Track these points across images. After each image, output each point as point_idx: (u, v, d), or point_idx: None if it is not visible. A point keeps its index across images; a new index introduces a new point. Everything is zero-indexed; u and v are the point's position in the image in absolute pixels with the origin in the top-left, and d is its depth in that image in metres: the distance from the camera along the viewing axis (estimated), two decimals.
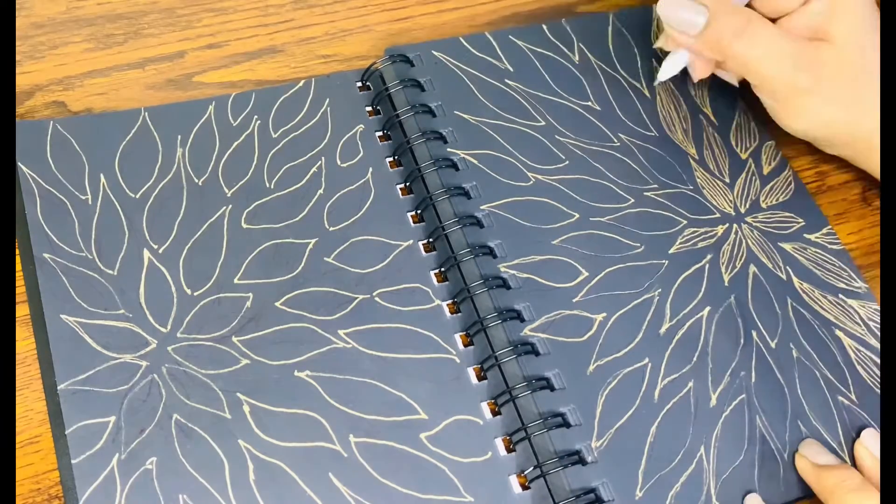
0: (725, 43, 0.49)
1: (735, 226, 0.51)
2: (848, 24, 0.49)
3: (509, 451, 0.42)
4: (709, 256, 0.49)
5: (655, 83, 0.54)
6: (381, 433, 0.42)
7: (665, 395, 0.44)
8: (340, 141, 0.50)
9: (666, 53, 0.53)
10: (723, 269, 0.49)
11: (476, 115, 0.51)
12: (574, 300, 0.46)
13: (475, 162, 0.49)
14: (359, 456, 0.41)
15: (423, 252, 0.47)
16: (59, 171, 0.46)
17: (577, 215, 0.49)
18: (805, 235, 0.52)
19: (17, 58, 0.50)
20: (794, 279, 0.49)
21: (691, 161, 0.53)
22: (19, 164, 0.45)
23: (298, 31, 0.55)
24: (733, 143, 0.54)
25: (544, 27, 0.56)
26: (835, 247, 0.51)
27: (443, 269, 0.46)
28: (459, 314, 0.45)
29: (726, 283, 0.48)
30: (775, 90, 0.50)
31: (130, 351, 0.42)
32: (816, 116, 0.50)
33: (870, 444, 0.44)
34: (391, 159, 0.50)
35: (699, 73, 0.53)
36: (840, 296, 0.49)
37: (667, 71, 0.52)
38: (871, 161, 0.52)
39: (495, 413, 0.43)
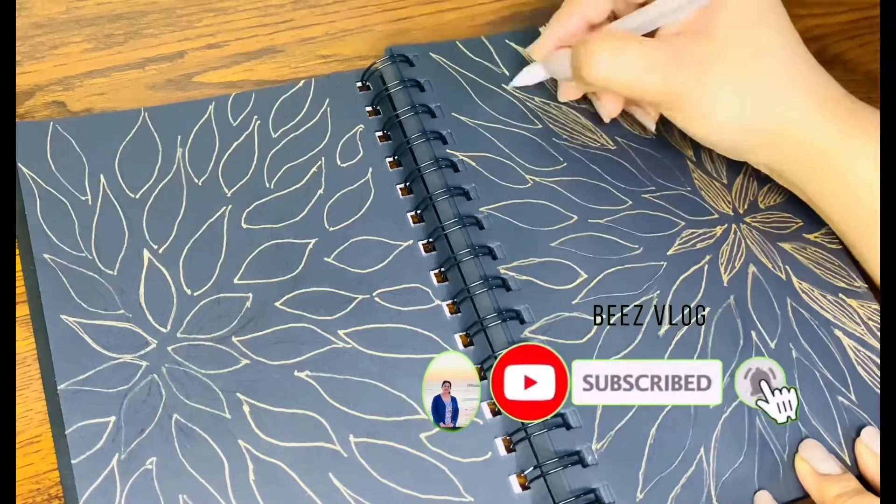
0: (592, 77, 0.45)
1: (734, 226, 0.51)
2: (732, 16, 0.45)
3: (509, 451, 0.42)
4: (707, 257, 0.49)
5: (509, 86, 0.52)
6: (381, 433, 0.42)
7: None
8: (340, 141, 0.50)
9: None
10: (722, 270, 0.49)
11: (473, 117, 0.51)
12: (573, 302, 0.46)
13: (473, 164, 0.49)
14: (359, 456, 0.41)
15: (423, 252, 0.47)
16: (59, 172, 0.46)
17: (576, 217, 0.49)
18: (804, 235, 0.52)
19: (17, 58, 0.50)
20: (794, 279, 0.50)
21: (689, 163, 0.53)
22: (19, 164, 0.45)
23: (298, 31, 0.55)
24: None
25: (540, 30, 0.56)
26: (833, 246, 0.52)
27: (443, 270, 0.47)
28: (459, 314, 0.45)
29: (725, 284, 0.48)
30: (661, 102, 0.46)
31: (130, 351, 0.42)
32: (711, 119, 0.46)
33: (870, 442, 0.44)
34: (391, 159, 0.50)
35: (567, 95, 0.52)
36: (840, 295, 0.50)
37: (524, 79, 0.52)
38: (795, 175, 0.47)
39: (495, 413, 0.43)
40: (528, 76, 0.52)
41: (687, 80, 0.45)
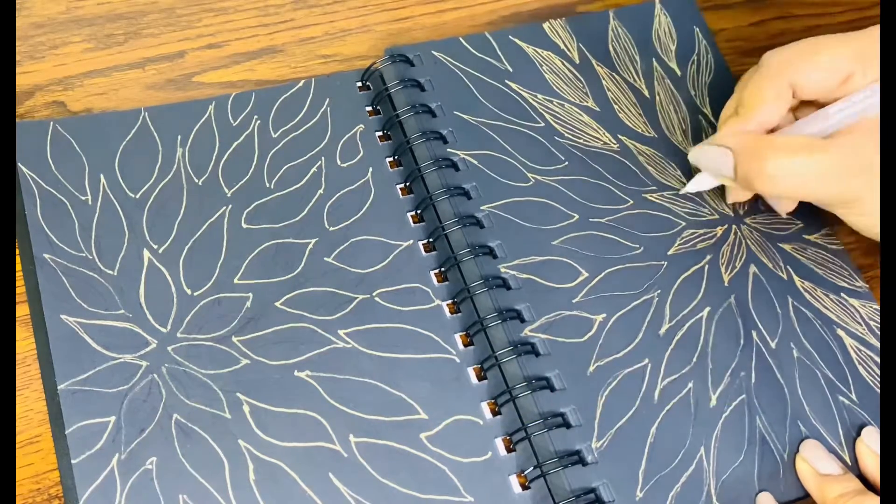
0: (758, 185, 0.44)
1: (734, 227, 0.51)
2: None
3: (509, 451, 0.42)
4: (708, 257, 0.49)
5: (681, 192, 0.51)
6: (381, 433, 0.42)
7: (665, 395, 0.44)
8: (340, 141, 0.50)
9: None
10: (722, 270, 0.49)
11: (476, 115, 0.51)
12: (574, 301, 0.46)
13: (475, 162, 0.49)
14: (359, 456, 0.41)
15: (423, 252, 0.47)
16: (59, 172, 0.46)
17: (577, 216, 0.49)
18: (804, 236, 0.52)
19: (17, 58, 0.50)
20: (796, 278, 0.49)
21: (690, 163, 0.53)
22: (19, 164, 0.45)
23: (298, 31, 0.55)
24: None
25: (544, 27, 0.56)
26: (834, 246, 0.52)
27: (443, 269, 0.47)
28: (459, 314, 0.45)
29: (726, 284, 0.48)
30: (832, 205, 0.46)
31: (130, 351, 0.42)
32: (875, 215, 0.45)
33: (871, 442, 0.44)
34: (391, 159, 0.50)
35: (736, 197, 0.51)
36: (842, 294, 0.49)
37: (697, 185, 0.50)
38: None
39: (495, 413, 0.43)
40: (704, 181, 0.50)
41: (861, 188, 0.44)
